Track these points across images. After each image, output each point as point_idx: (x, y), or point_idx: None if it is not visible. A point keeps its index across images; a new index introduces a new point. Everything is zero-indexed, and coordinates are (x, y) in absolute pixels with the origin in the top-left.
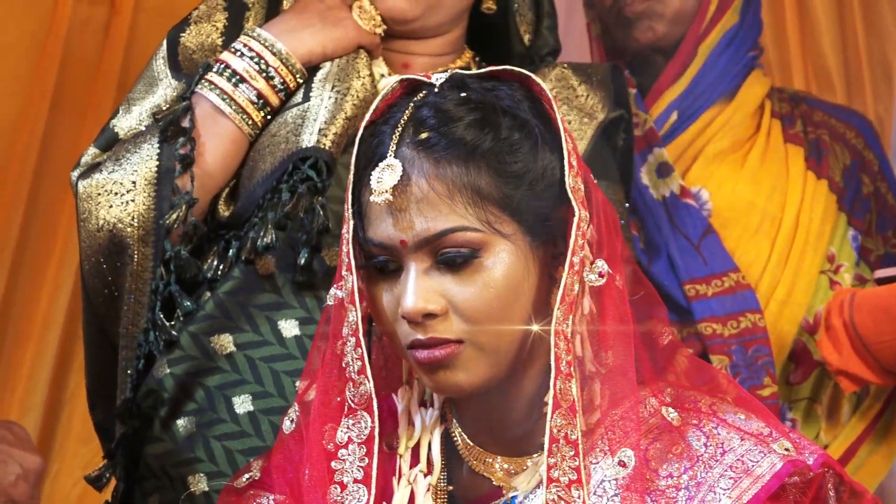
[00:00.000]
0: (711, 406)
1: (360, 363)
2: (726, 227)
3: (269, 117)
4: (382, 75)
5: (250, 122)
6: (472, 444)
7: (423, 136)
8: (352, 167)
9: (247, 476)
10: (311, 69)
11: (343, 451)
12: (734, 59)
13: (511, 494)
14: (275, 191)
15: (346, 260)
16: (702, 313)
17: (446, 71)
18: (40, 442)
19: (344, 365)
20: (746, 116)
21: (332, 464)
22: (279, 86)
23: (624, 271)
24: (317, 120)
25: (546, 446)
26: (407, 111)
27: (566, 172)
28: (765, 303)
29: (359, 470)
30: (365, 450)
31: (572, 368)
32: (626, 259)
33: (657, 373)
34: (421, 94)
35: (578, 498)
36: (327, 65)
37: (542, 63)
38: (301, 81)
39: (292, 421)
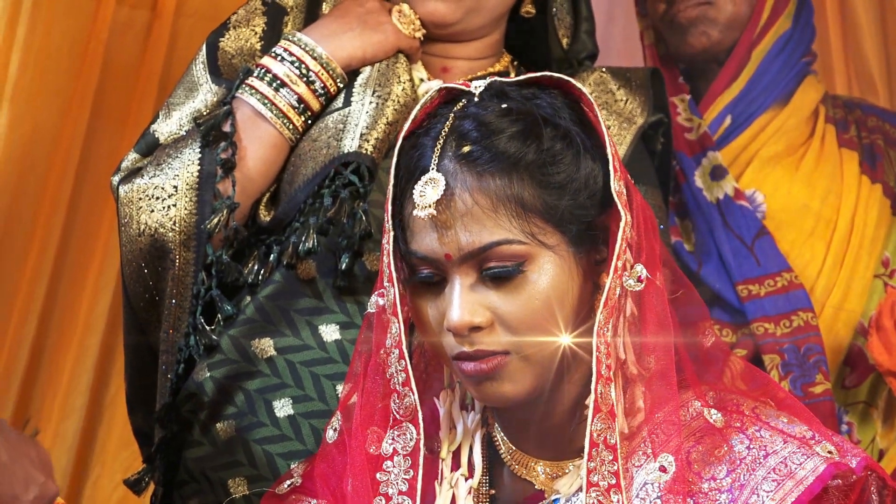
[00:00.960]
0: (754, 409)
1: (403, 375)
2: (780, 229)
3: (309, 122)
4: (422, 80)
5: (291, 127)
6: (514, 448)
7: (466, 149)
8: (391, 178)
9: (288, 482)
10: (351, 74)
11: (388, 462)
12: (787, 64)
13: (553, 498)
14: (316, 196)
15: (388, 272)
16: (754, 313)
17: (485, 78)
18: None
19: (388, 376)
20: (800, 121)
21: (378, 475)
22: (320, 90)
23: (663, 273)
24: (358, 125)
25: (586, 451)
26: (447, 122)
27: (611, 176)
28: (819, 306)
29: (404, 482)
30: (410, 462)
31: (612, 372)
32: (664, 261)
33: (701, 375)
34: (460, 104)
35: (618, 502)
36: (367, 69)
37: (580, 67)
38: (341, 86)
39: (335, 430)
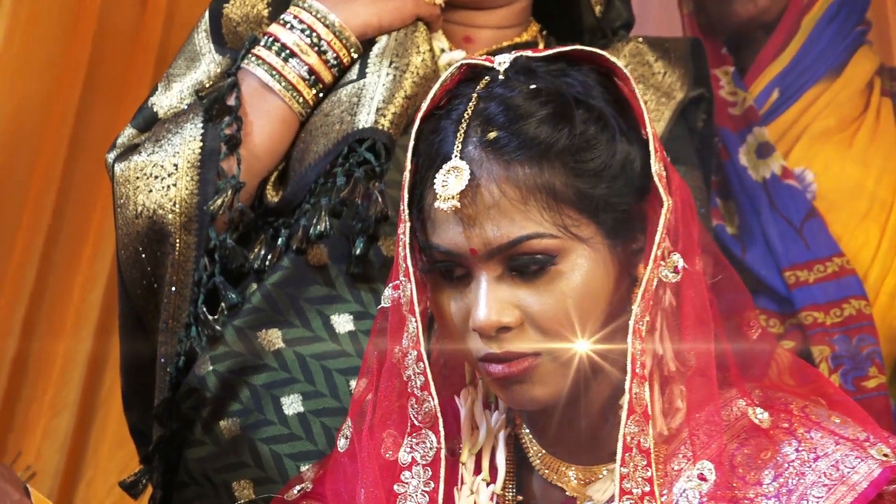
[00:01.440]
0: (803, 409)
1: (422, 378)
2: (832, 210)
3: (321, 95)
4: (443, 50)
5: (301, 101)
6: (543, 451)
7: (492, 135)
8: (408, 163)
9: (298, 488)
10: (367, 43)
11: (406, 473)
12: (840, 34)
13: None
14: (328, 175)
15: (404, 265)
16: (802, 301)
17: (511, 50)
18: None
19: (405, 378)
20: (854, 94)
21: (395, 487)
22: (332, 61)
23: (702, 260)
24: (374, 98)
25: (618, 455)
26: (470, 104)
27: (651, 157)
28: (873, 294)
29: (423, 495)
30: (430, 472)
31: (646, 371)
32: (704, 247)
33: (745, 371)
34: (484, 83)
35: None
36: (384, 39)
37: (614, 37)
38: (356, 56)
39: (347, 438)
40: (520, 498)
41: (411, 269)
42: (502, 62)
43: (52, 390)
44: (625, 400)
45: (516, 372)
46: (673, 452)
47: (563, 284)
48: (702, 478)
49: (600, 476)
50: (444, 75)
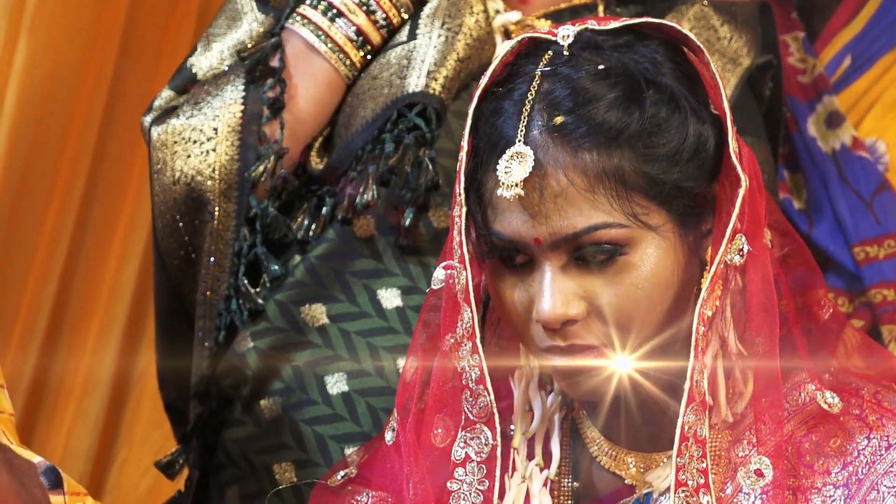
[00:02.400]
0: (875, 394)
1: (478, 371)
2: None
3: (368, 57)
4: (497, 11)
5: (348, 63)
6: (601, 437)
7: (559, 120)
8: (464, 143)
9: (343, 473)
10: (418, 3)
11: (460, 469)
12: None
13: (645, 492)
14: (376, 141)
15: (459, 251)
16: (871, 279)
17: (571, 13)
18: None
19: (459, 369)
20: None
21: (448, 484)
22: (381, 21)
23: (768, 237)
24: (425, 61)
25: (675, 445)
26: (534, 84)
27: (729, 136)
28: None
29: (478, 494)
30: (485, 470)
31: (706, 358)
32: (772, 223)
33: (816, 352)
34: (547, 58)
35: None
36: None
37: None
38: (406, 17)
39: (394, 430)
40: (576, 485)
41: (467, 256)
42: (566, 36)
43: (85, 369)
44: (685, 387)
45: (581, 364)
46: (738, 439)
47: (632, 275)
48: (759, 473)
49: (661, 463)
50: (502, 49)
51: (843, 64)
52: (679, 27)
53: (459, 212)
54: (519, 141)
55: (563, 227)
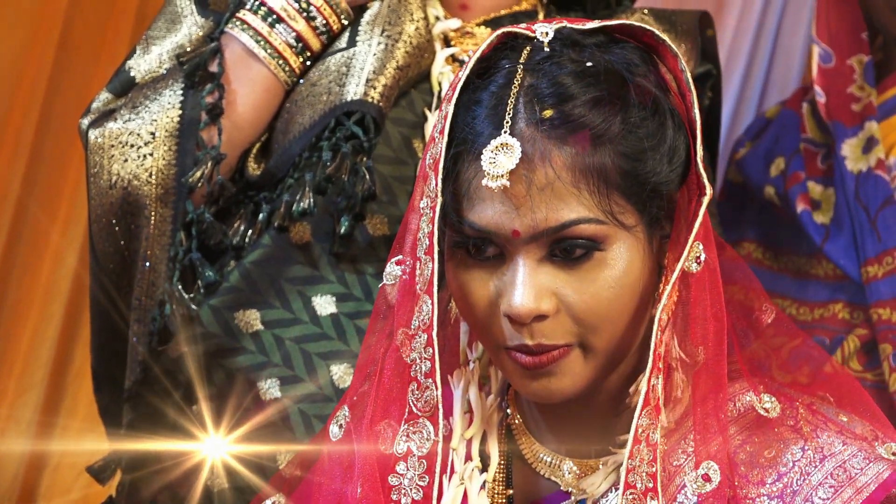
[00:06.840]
0: (810, 406)
1: (429, 364)
2: None
3: (308, 63)
4: (438, 18)
5: (287, 69)
6: (535, 441)
7: (547, 113)
8: (444, 136)
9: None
10: (358, 10)
11: (401, 464)
12: None
13: (579, 499)
14: (314, 148)
15: (427, 242)
16: (871, 297)
17: (550, 22)
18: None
19: (409, 361)
20: None
21: (390, 478)
22: (321, 28)
23: (716, 251)
24: (364, 69)
25: (628, 447)
26: (516, 77)
27: (697, 144)
28: None
29: (418, 489)
30: (425, 465)
31: (661, 362)
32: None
33: (754, 361)
34: (526, 53)
35: None
36: (376, 5)
37: (618, 7)
38: (346, 23)
39: (341, 427)
40: (510, 492)
41: (436, 247)
42: (545, 32)
43: (19, 369)
44: (641, 391)
45: (546, 362)
46: (673, 447)
47: (604, 273)
48: (706, 478)
49: (597, 469)
50: (482, 45)
51: None
52: (655, 31)
53: (433, 203)
54: (505, 132)
55: (544, 220)
